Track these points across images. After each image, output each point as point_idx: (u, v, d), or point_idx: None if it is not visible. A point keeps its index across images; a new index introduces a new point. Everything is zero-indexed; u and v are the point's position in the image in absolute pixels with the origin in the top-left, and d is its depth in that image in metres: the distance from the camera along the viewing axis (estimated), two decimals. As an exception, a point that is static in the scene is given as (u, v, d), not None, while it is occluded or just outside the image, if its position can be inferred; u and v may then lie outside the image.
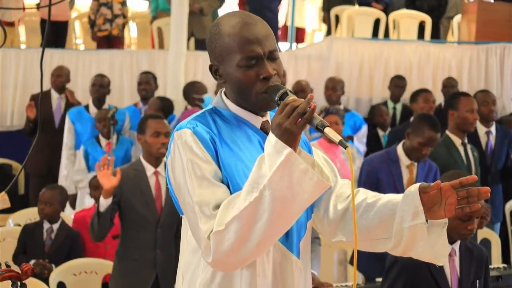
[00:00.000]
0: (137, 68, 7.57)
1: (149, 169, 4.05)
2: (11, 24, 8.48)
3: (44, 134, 6.30)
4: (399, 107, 7.24)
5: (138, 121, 6.43)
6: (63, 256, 4.71)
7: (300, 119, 1.75)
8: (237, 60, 1.89)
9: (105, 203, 3.86)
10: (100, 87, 6.56)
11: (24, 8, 8.55)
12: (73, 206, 6.23)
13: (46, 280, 4.19)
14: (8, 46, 8.11)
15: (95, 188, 5.13)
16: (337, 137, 1.75)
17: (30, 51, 8.05)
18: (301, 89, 6.65)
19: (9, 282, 2.07)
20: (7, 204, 2.46)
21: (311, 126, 1.77)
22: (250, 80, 1.89)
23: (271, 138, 1.76)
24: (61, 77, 6.76)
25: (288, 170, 1.71)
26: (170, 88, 7.24)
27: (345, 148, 1.74)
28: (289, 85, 7.19)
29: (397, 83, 7.26)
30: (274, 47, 1.92)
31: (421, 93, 6.17)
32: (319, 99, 7.18)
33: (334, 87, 6.80)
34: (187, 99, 6.78)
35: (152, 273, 3.96)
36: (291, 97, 1.82)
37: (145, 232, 3.98)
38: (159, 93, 7.18)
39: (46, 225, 4.79)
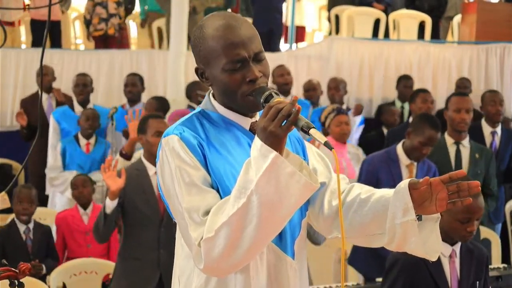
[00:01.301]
0: (137, 68, 7.57)
1: (151, 169, 4.05)
2: (11, 24, 8.48)
3: (42, 135, 6.29)
4: (407, 106, 7.23)
5: (123, 122, 6.46)
6: (43, 253, 4.75)
7: (285, 121, 1.73)
8: (223, 63, 1.87)
9: (111, 204, 3.86)
10: (84, 87, 6.50)
11: (24, 8, 8.54)
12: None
13: (46, 280, 4.20)
14: (9, 46, 8.10)
15: (75, 186, 5.14)
16: (322, 139, 1.74)
17: (30, 51, 8.05)
18: (313, 88, 6.81)
19: (7, 281, 2.08)
20: (7, 204, 2.46)
21: (296, 128, 1.75)
22: (236, 83, 1.87)
23: (257, 142, 1.74)
24: (47, 76, 6.70)
25: (274, 174, 1.70)
26: (170, 88, 7.24)
27: (331, 150, 1.72)
28: (298, 85, 7.20)
29: (406, 84, 7.25)
30: (259, 49, 1.90)
31: (420, 93, 6.16)
32: (319, 99, 7.18)
33: (336, 87, 6.84)
34: (189, 97, 6.79)
35: (155, 273, 3.95)
36: (276, 99, 1.81)
37: (148, 231, 3.97)
38: (158, 93, 7.18)
39: (21, 226, 4.78)
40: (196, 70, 1.97)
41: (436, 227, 1.93)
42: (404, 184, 1.89)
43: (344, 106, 6.63)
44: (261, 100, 1.84)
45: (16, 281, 2.06)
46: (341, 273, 1.87)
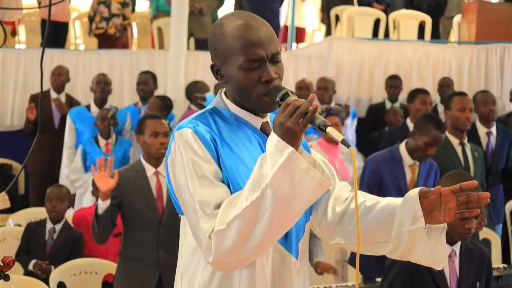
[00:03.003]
0: (137, 68, 7.57)
1: (150, 170, 4.05)
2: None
3: (44, 134, 6.30)
4: (398, 106, 7.25)
5: (137, 120, 6.47)
6: (64, 256, 4.71)
7: (302, 119, 1.75)
8: (240, 62, 1.89)
9: (103, 205, 3.85)
10: (106, 85, 6.56)
11: (24, 8, 8.55)
12: (72, 205, 6.23)
13: (46, 280, 4.20)
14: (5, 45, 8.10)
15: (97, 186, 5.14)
16: (339, 136, 1.75)
17: (30, 51, 8.06)
18: (306, 87, 6.78)
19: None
20: (7, 204, 2.46)
21: (313, 125, 1.77)
22: (252, 82, 1.89)
23: (273, 137, 1.76)
24: (62, 76, 6.76)
25: (290, 170, 1.71)
26: (170, 88, 7.25)
27: (348, 147, 1.74)
28: (290, 85, 7.20)
29: (391, 84, 7.29)
30: (277, 50, 1.92)
31: (419, 94, 6.13)
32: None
33: (326, 87, 6.87)
34: (189, 98, 6.80)
35: (155, 273, 3.96)
36: (293, 97, 1.83)
37: (147, 232, 3.97)
38: (159, 93, 7.18)
39: (48, 225, 4.80)
40: (212, 67, 1.99)
41: (442, 237, 1.94)
42: (414, 192, 1.89)
43: (332, 104, 6.65)
44: (277, 99, 1.85)
45: (1, 274, 2.09)
46: (356, 275, 1.87)
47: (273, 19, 8.89)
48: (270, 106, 1.91)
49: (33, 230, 4.80)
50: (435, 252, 1.92)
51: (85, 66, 7.71)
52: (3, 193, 2.44)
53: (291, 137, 1.75)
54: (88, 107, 6.53)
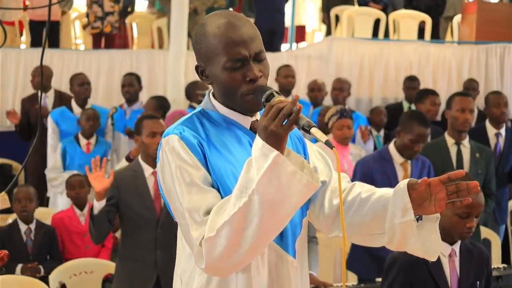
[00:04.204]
0: (137, 68, 7.57)
1: (147, 170, 4.04)
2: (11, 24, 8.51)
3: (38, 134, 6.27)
4: (414, 107, 7.23)
5: (122, 122, 6.44)
6: (45, 254, 4.75)
7: (286, 120, 1.73)
8: (223, 62, 1.87)
9: (98, 205, 3.85)
10: (88, 85, 6.50)
11: (24, 8, 8.56)
12: (46, 205, 6.23)
13: (46, 280, 4.20)
14: (8, 45, 8.11)
15: (71, 187, 5.12)
16: (323, 138, 1.73)
17: (30, 51, 8.05)
18: (318, 88, 6.81)
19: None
20: (7, 204, 2.46)
21: (297, 127, 1.75)
22: (236, 82, 1.87)
23: (258, 141, 1.74)
24: (38, 77, 6.68)
25: (275, 174, 1.70)
26: (170, 88, 7.25)
27: (331, 148, 1.72)
28: (298, 85, 7.21)
29: (409, 85, 7.22)
30: (260, 49, 1.89)
31: (429, 96, 6.07)
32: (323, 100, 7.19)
33: (341, 88, 6.81)
34: (189, 98, 6.80)
35: (153, 274, 3.95)
36: (277, 98, 1.80)
37: (145, 232, 3.96)
38: (158, 93, 7.19)
39: (22, 226, 4.78)
40: (196, 68, 1.97)
41: (436, 227, 1.93)
42: (403, 184, 1.89)
43: (345, 107, 6.61)
44: (263, 100, 1.83)
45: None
46: (343, 271, 1.86)
47: (281, 20, 8.89)
48: (255, 105, 1.89)
49: (8, 234, 4.77)
50: (428, 243, 1.92)
51: (85, 66, 7.71)
52: (3, 193, 2.44)
53: (275, 140, 1.72)
54: (69, 107, 6.47)
